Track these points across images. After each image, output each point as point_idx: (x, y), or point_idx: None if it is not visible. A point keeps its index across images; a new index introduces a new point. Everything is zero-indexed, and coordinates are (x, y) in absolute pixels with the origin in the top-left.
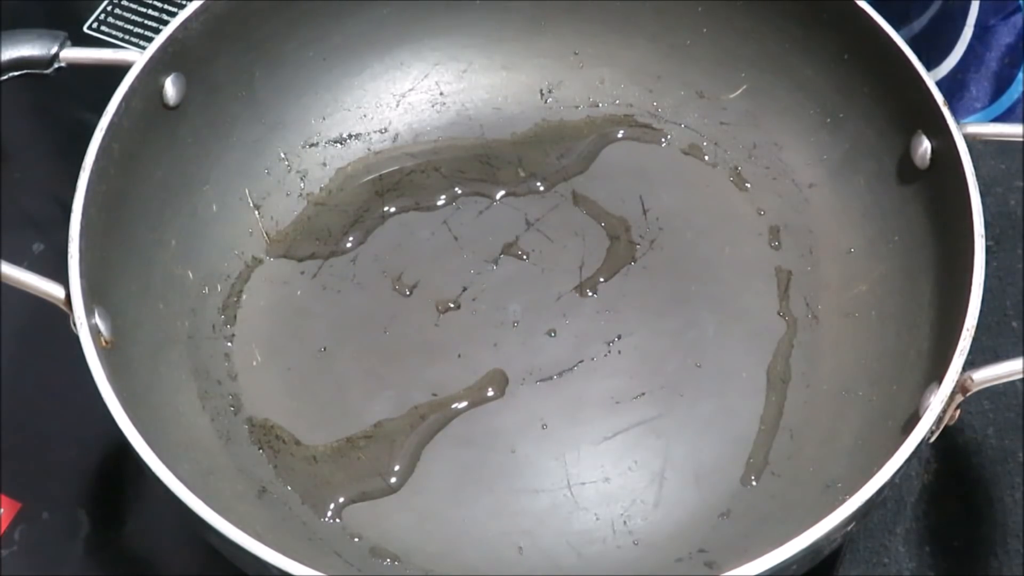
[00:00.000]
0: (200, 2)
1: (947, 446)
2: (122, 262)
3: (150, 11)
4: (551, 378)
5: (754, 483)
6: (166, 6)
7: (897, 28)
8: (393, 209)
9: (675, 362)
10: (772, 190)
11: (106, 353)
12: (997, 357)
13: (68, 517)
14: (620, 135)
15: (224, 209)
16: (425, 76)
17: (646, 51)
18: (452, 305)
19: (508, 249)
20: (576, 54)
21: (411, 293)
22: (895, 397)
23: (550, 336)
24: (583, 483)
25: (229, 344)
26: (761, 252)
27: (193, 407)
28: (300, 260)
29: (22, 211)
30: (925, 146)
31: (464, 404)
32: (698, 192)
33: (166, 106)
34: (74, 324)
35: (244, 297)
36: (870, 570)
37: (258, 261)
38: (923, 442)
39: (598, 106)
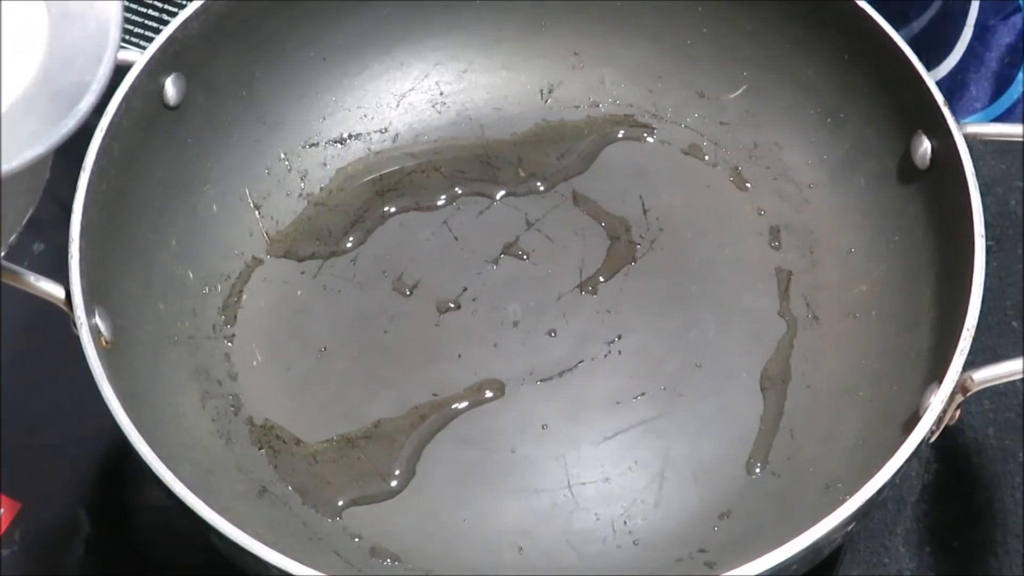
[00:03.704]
0: (200, 2)
1: (947, 446)
2: (122, 262)
3: (150, 11)
4: (551, 378)
5: (754, 483)
6: (166, 6)
7: (897, 28)
8: (393, 209)
9: (675, 362)
10: (772, 190)
11: (106, 353)
12: (997, 357)
13: (68, 517)
14: (620, 135)
15: (224, 209)
16: (425, 76)
17: (646, 51)
18: (452, 305)
19: (508, 249)
20: (576, 54)
21: (411, 293)
22: (895, 397)
23: (550, 336)
24: (583, 483)
25: (229, 344)
26: (761, 252)
27: (193, 407)
28: (300, 260)
29: None
30: (925, 146)
31: (464, 404)
32: (698, 192)
33: (166, 106)
34: (74, 324)
35: (244, 297)
36: (870, 570)
37: (258, 261)
38: (923, 442)
39: (598, 106)
